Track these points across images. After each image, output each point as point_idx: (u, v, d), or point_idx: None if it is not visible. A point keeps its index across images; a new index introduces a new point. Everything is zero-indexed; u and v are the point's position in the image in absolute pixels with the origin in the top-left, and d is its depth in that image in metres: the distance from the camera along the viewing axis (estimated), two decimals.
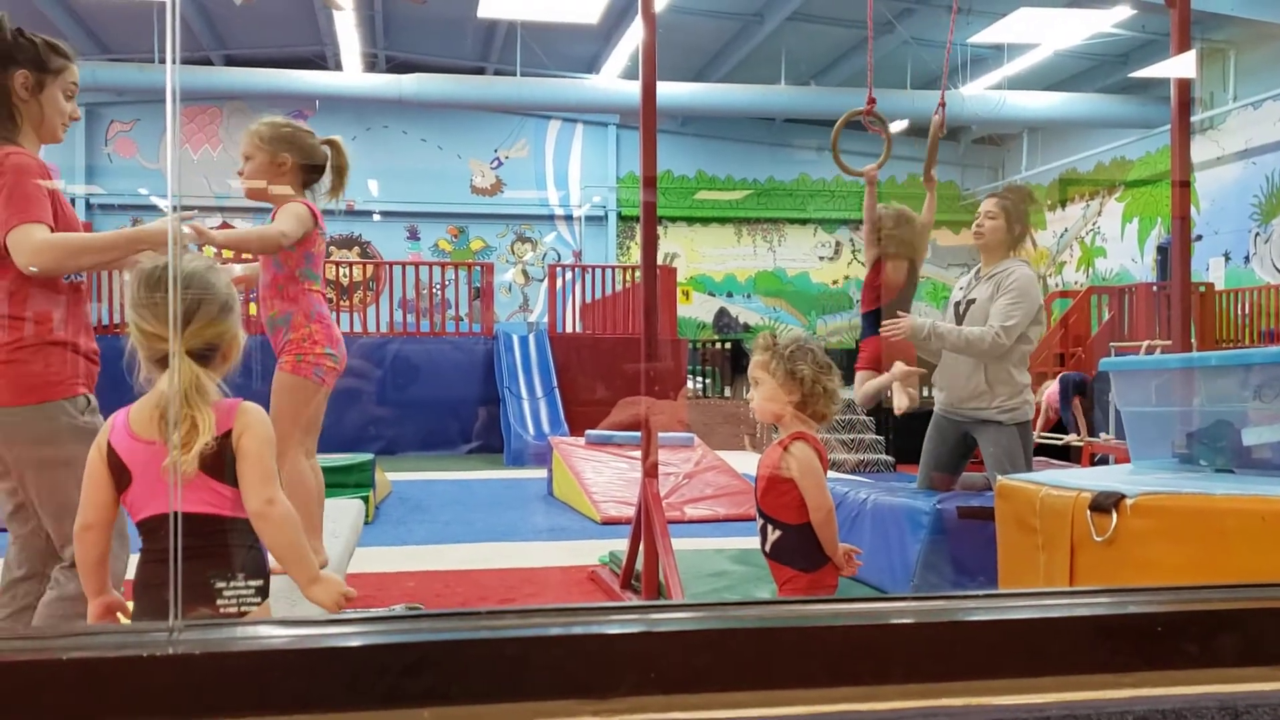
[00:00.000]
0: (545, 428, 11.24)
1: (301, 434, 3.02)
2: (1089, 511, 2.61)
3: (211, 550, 1.95)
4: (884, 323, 4.35)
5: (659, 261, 6.18)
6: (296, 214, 2.94)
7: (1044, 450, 9.42)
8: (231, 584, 1.91)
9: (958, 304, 4.38)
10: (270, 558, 2.04)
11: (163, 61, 1.30)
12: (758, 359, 2.83)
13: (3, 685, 0.85)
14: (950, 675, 1.01)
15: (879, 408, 4.24)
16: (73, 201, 15.52)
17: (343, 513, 4.22)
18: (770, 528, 2.74)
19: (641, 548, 4.28)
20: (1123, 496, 2.57)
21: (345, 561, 3.84)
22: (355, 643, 0.92)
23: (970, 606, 1.07)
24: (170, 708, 0.87)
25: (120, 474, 1.94)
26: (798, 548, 2.70)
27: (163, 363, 1.89)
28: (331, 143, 3.15)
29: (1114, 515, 2.54)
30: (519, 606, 1.10)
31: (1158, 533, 2.46)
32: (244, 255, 3.48)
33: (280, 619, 1.36)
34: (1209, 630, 1.06)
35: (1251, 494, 2.36)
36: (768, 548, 2.76)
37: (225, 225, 16.70)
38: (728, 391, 13.65)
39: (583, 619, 1.04)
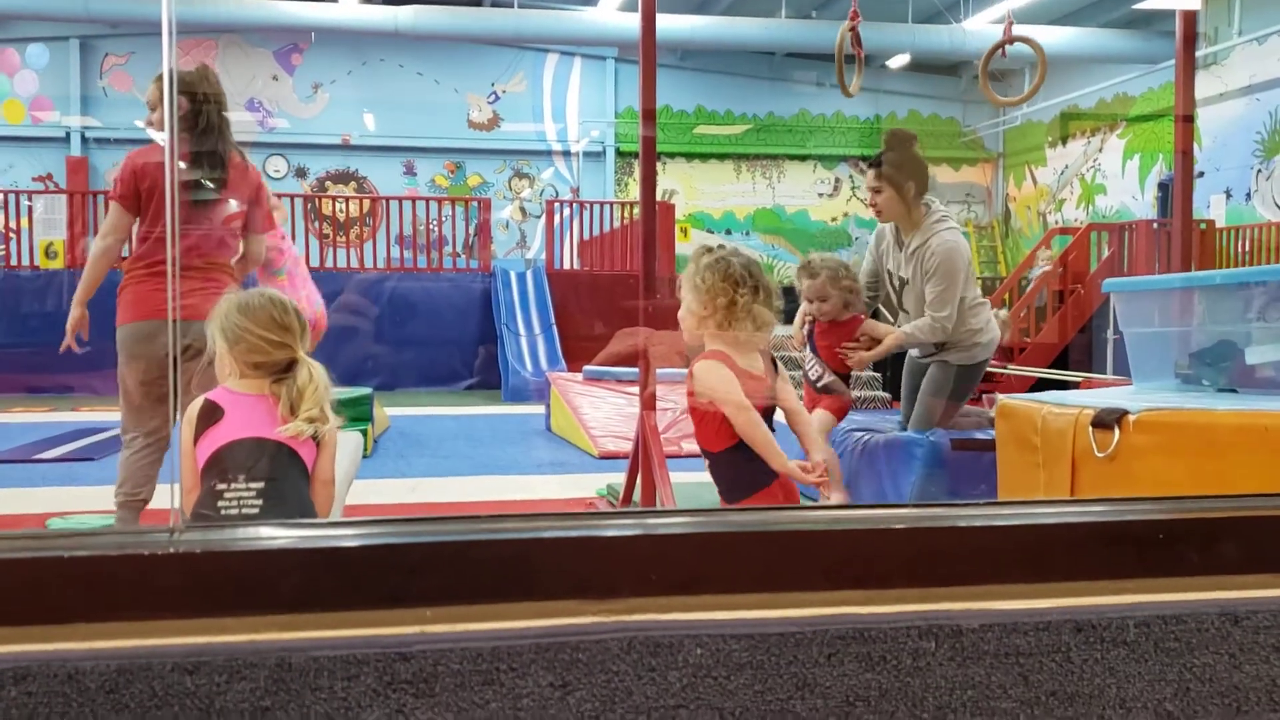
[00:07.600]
0: (543, 364, 11.24)
1: None
2: (1091, 428, 2.61)
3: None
4: (851, 359, 4.05)
5: (657, 198, 6.13)
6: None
7: (1048, 385, 9.46)
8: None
9: (890, 275, 4.24)
10: None
11: None
12: (687, 269, 2.55)
13: (6, 582, 0.85)
14: (950, 580, 1.01)
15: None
16: (67, 135, 15.36)
17: (341, 444, 4.21)
18: (705, 459, 2.57)
19: (639, 480, 4.30)
20: (1125, 413, 2.56)
21: (344, 491, 3.85)
22: (357, 543, 0.92)
23: (969, 514, 1.07)
24: (172, 605, 0.87)
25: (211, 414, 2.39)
26: (723, 474, 2.54)
27: (282, 366, 2.39)
28: None
29: (1116, 431, 2.54)
30: (519, 512, 1.10)
31: (1160, 448, 2.46)
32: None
33: (280, 521, 1.39)
34: (1210, 538, 1.07)
35: (1254, 409, 2.36)
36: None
37: None
38: None
39: (582, 523, 1.04)
